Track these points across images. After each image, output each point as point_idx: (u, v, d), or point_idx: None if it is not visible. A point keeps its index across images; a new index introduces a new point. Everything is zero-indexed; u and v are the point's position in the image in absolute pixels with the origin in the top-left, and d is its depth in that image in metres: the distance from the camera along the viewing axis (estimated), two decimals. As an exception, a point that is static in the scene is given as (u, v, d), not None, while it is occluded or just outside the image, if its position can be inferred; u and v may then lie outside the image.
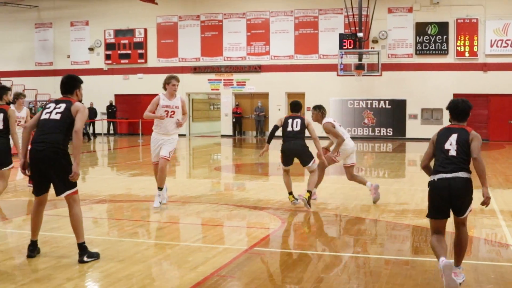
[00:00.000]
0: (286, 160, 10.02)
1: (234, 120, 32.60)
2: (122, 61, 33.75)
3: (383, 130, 30.02)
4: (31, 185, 7.48)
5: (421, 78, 29.19)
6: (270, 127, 10.19)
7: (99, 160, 21.20)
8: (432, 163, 5.94)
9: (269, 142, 10.10)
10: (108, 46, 34.03)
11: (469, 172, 5.68)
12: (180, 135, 33.73)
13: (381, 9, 28.65)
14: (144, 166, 16.84)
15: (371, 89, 29.82)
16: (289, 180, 10.13)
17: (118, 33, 33.86)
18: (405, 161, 20.05)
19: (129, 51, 33.59)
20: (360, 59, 28.01)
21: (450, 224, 5.91)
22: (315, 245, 7.67)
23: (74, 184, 6.39)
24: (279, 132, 10.04)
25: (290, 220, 9.07)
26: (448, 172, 5.64)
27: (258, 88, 31.84)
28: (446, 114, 6.01)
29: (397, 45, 29.69)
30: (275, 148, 10.17)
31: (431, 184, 5.78)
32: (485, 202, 5.72)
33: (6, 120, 9.15)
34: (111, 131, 34.01)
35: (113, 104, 33.60)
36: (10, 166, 9.52)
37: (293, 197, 10.06)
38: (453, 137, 5.73)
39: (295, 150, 9.87)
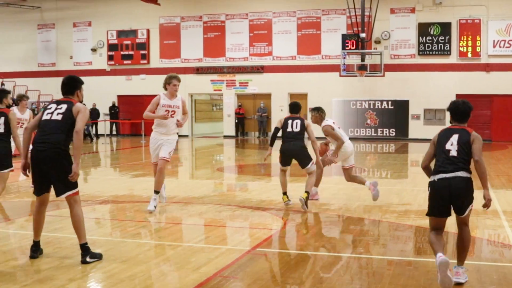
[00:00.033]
0: (285, 160, 10.02)
1: (236, 120, 32.60)
2: (125, 62, 33.77)
3: (386, 130, 30.00)
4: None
5: (424, 78, 29.17)
6: (273, 128, 10.19)
7: (102, 161, 21.21)
8: (432, 164, 5.97)
9: (271, 145, 10.11)
10: (111, 47, 34.05)
11: (470, 172, 5.71)
12: (182, 136, 33.71)
13: (383, 10, 28.63)
14: (147, 167, 16.83)
15: (373, 89, 29.80)
16: (285, 180, 10.12)
17: (120, 34, 33.89)
18: (407, 162, 20.03)
19: (131, 52, 33.61)
20: (362, 60, 27.98)
21: (453, 225, 5.91)
22: (317, 245, 7.66)
23: (75, 185, 6.40)
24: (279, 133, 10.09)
25: (293, 221, 9.07)
26: (449, 172, 5.67)
27: (261, 89, 31.84)
28: (449, 115, 6.05)
29: (399, 46, 29.67)
30: (276, 149, 10.16)
31: (431, 184, 5.82)
32: (487, 204, 5.74)
33: (6, 123, 9.14)
34: (114, 132, 34.01)
35: (116, 105, 33.61)
36: (9, 169, 9.49)
37: (287, 197, 10.04)
38: (454, 138, 5.76)
39: (294, 151, 9.86)
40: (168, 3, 32.04)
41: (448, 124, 6.12)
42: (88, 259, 6.36)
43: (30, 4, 34.69)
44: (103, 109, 33.00)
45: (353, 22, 27.31)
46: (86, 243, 6.44)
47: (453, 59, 28.95)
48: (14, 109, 12.28)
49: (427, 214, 5.94)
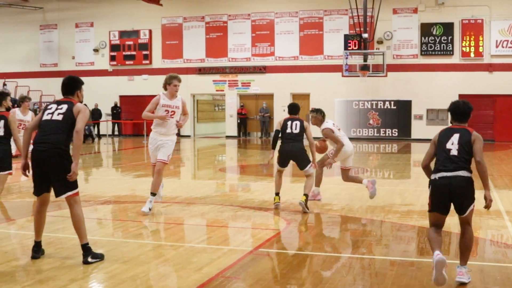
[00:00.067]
0: (283, 161, 9.98)
1: (239, 121, 32.59)
2: (127, 62, 33.78)
3: (388, 131, 29.96)
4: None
5: (426, 78, 29.13)
6: (275, 128, 10.17)
7: (104, 161, 21.21)
8: (432, 164, 6.00)
9: (273, 147, 10.10)
10: (113, 47, 34.06)
11: (470, 171, 5.75)
12: (184, 136, 33.75)
13: (386, 10, 28.60)
14: (149, 167, 16.78)
15: (376, 90, 29.77)
16: (281, 181, 10.07)
17: (123, 34, 33.90)
18: (410, 162, 20.00)
19: (133, 52, 33.62)
20: (365, 60, 27.94)
21: (456, 225, 5.88)
22: (320, 246, 7.64)
23: (75, 186, 6.39)
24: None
25: (295, 221, 9.05)
26: (449, 171, 5.72)
27: (263, 89, 31.82)
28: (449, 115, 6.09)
29: (402, 46, 29.64)
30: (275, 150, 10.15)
31: (432, 182, 5.89)
32: (488, 205, 5.77)
33: (6, 126, 9.09)
34: (116, 132, 34.01)
35: (118, 105, 33.62)
36: (8, 172, 9.45)
37: (279, 198, 9.96)
38: (455, 137, 5.82)
39: (292, 152, 9.81)
40: (170, 3, 32.05)
41: (450, 124, 6.14)
42: (89, 259, 6.35)
43: (32, 4, 34.74)
44: (105, 109, 33.00)
45: (356, 22, 27.28)
46: (87, 243, 6.43)
47: (455, 59, 28.91)
48: (16, 110, 12.28)
49: (429, 211, 6.00)
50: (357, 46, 27.31)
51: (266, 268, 6.48)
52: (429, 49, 29.23)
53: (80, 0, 34.43)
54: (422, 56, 29.42)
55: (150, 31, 33.34)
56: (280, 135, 9.96)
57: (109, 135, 32.79)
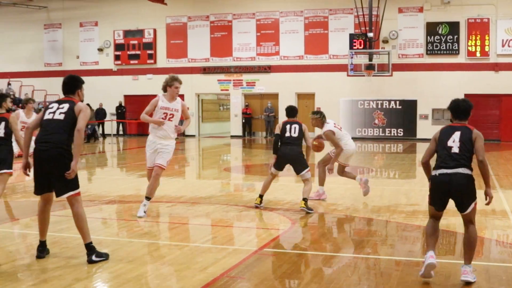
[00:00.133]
0: (279, 164, 9.91)
1: (243, 120, 32.57)
2: (132, 62, 33.80)
3: (394, 130, 29.89)
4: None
5: (432, 78, 29.05)
6: (275, 132, 10.15)
7: (108, 161, 21.22)
8: (432, 162, 6.06)
9: (275, 152, 9.98)
10: (117, 47, 34.09)
11: (471, 169, 5.81)
12: (189, 136, 33.69)
13: (391, 9, 28.55)
14: (154, 167, 16.80)
15: (381, 89, 29.71)
16: (269, 185, 10.06)
17: (127, 33, 33.92)
18: (415, 162, 19.94)
19: (138, 52, 33.64)
20: (370, 59, 27.91)
21: (461, 225, 5.86)
22: (325, 246, 7.61)
23: (76, 186, 6.39)
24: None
25: (300, 221, 9.03)
26: (450, 168, 5.78)
27: (268, 89, 31.80)
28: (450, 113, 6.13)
29: (407, 45, 29.57)
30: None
31: (432, 178, 5.97)
32: (488, 202, 5.90)
33: (7, 128, 9.03)
34: (120, 132, 34.03)
35: (122, 104, 33.62)
36: (8, 171, 9.37)
37: (261, 201, 9.93)
38: (456, 135, 5.87)
39: (290, 155, 9.76)
40: (175, 2, 32.05)
41: (450, 122, 6.18)
42: (94, 258, 6.34)
43: (36, 4, 34.78)
44: (110, 109, 33.02)
45: (361, 22, 27.24)
46: (91, 242, 6.43)
47: (461, 58, 28.83)
48: (20, 112, 12.27)
49: (429, 203, 6.13)
50: (362, 45, 27.30)
51: (271, 268, 6.46)
52: (434, 48, 29.16)
53: (85, -1, 34.53)
54: (428, 55, 29.34)
55: (155, 31, 33.36)
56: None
57: (114, 135, 32.83)
